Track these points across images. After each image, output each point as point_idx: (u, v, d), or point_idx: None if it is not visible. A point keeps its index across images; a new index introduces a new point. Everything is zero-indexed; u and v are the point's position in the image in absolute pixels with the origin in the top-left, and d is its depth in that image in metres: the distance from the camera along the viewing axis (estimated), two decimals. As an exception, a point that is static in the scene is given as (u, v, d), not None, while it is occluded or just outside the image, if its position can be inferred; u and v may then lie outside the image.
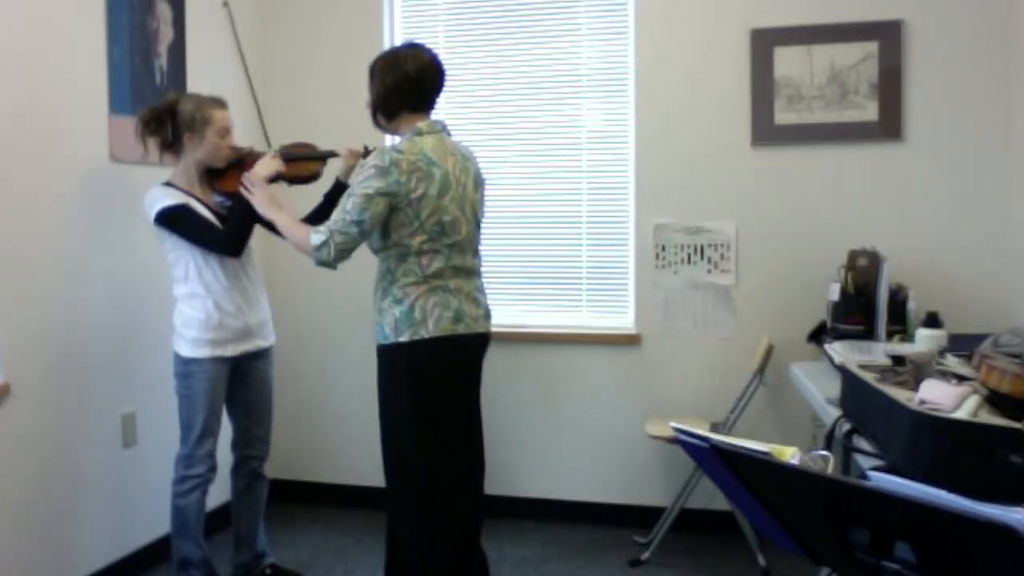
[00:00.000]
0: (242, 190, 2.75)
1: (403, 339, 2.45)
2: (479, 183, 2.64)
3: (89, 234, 3.00)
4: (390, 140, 3.92)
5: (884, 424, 1.69)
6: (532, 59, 3.81)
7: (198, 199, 2.80)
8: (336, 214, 2.45)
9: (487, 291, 2.71)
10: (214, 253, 2.77)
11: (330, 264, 2.45)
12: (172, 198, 2.74)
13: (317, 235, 2.44)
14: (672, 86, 3.62)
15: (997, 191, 3.37)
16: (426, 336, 2.45)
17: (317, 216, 3.00)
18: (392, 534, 2.62)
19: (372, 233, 2.45)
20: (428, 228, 2.44)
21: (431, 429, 2.49)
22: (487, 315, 2.64)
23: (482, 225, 2.68)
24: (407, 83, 2.51)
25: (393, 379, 2.50)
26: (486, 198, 2.65)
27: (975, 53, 3.36)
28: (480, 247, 2.68)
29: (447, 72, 2.61)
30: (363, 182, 2.41)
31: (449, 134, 2.60)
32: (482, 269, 2.69)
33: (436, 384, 2.50)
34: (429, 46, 2.60)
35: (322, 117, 3.92)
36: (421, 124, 2.52)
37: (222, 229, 2.77)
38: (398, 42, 3.92)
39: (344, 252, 2.44)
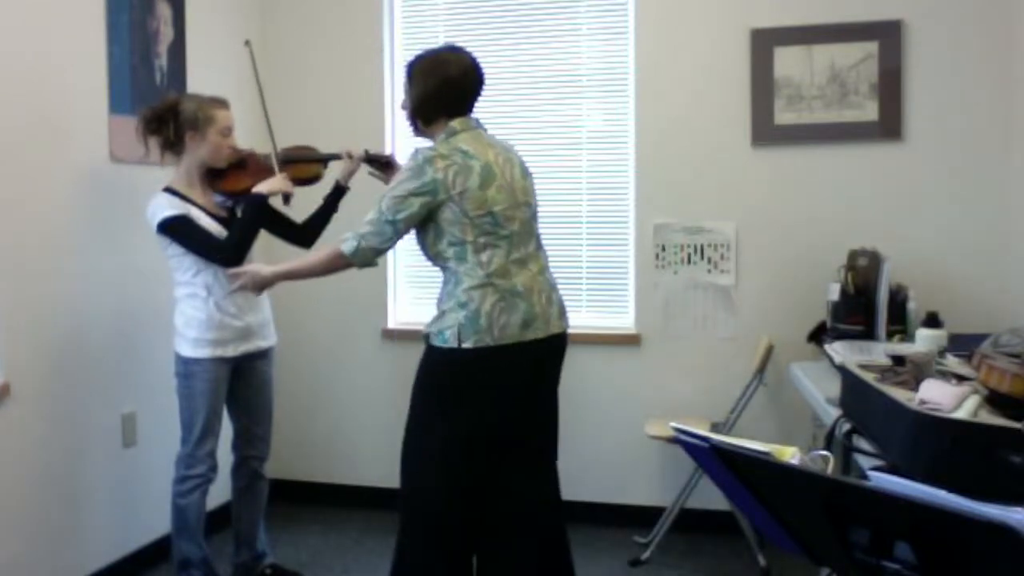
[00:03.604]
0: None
1: (467, 345, 2.30)
2: (526, 172, 2.54)
3: (89, 234, 3.00)
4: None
5: (884, 424, 1.69)
6: (532, 59, 3.80)
7: (198, 204, 2.80)
8: (369, 215, 2.37)
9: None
10: (214, 263, 2.76)
11: (372, 262, 2.39)
12: (173, 208, 2.73)
13: (346, 243, 2.36)
14: (672, 86, 3.62)
15: (997, 191, 3.37)
16: (491, 344, 2.31)
17: (317, 218, 3.00)
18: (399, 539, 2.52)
19: (405, 233, 2.38)
20: (479, 222, 2.33)
21: (456, 457, 2.36)
22: (562, 312, 2.50)
23: (539, 216, 2.56)
24: (449, 86, 2.43)
25: (435, 389, 2.39)
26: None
27: (975, 53, 3.36)
28: (543, 240, 2.56)
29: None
30: (396, 185, 2.34)
31: (485, 130, 2.51)
32: (549, 263, 2.56)
33: (481, 404, 2.36)
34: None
35: (322, 118, 3.91)
36: (454, 123, 2.42)
37: (222, 240, 2.76)
38: (398, 42, 3.94)
39: (378, 252, 2.37)
